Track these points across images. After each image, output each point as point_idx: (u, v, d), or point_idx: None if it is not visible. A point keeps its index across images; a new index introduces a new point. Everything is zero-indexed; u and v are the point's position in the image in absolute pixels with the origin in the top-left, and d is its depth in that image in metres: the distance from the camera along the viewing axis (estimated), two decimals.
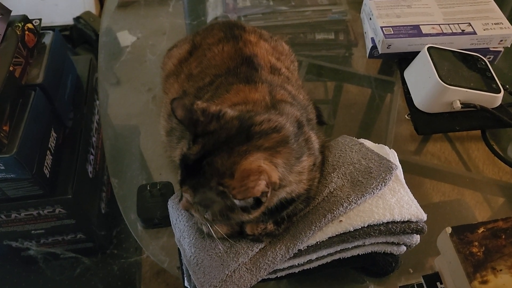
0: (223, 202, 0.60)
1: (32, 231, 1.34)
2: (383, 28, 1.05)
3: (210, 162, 0.59)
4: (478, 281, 0.53)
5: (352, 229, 0.68)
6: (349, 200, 0.68)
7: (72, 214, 1.28)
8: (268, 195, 0.57)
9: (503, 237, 0.56)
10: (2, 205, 1.19)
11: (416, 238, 0.71)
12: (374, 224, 0.68)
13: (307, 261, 0.70)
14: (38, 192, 1.15)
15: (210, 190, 0.59)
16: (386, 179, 0.70)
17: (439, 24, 1.06)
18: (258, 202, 0.59)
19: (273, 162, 0.59)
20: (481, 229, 0.57)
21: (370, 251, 0.72)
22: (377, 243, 0.71)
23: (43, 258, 1.49)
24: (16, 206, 1.20)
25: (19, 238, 1.37)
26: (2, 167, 1.01)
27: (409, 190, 0.73)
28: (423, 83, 0.98)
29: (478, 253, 0.55)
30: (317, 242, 0.68)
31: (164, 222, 0.84)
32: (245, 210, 0.60)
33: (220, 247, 0.67)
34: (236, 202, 0.57)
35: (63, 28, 1.95)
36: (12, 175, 1.05)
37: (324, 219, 0.67)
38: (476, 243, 0.56)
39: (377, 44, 1.08)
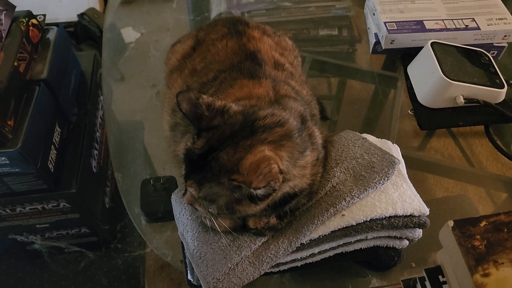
0: (230, 195, 0.60)
1: (37, 225, 1.34)
2: (387, 24, 1.05)
3: (216, 157, 0.59)
4: (480, 274, 0.53)
5: (354, 223, 0.68)
6: (351, 195, 0.69)
7: (76, 209, 1.28)
8: (280, 180, 0.58)
9: (505, 230, 0.57)
10: (7, 199, 1.19)
11: (419, 232, 0.72)
12: (377, 218, 0.68)
13: (310, 255, 0.71)
14: (42, 187, 1.16)
15: (218, 185, 0.59)
16: (388, 173, 0.71)
17: (442, 20, 1.06)
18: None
19: (278, 155, 0.60)
20: (483, 223, 0.57)
21: (372, 245, 0.72)
22: (380, 237, 0.71)
23: (47, 252, 1.50)
24: (20, 200, 1.20)
25: (24, 232, 1.38)
26: (7, 162, 1.02)
27: (411, 184, 0.74)
28: (427, 79, 0.98)
29: (480, 247, 0.55)
30: (319, 236, 0.68)
31: (167, 216, 0.84)
32: (252, 201, 0.60)
33: (223, 241, 0.68)
34: (259, 191, 0.58)
35: (68, 24, 1.95)
36: (16, 170, 1.06)
37: (327, 213, 0.68)
38: (478, 237, 0.56)
39: (380, 40, 1.08)
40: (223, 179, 0.58)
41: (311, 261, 0.72)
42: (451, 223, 0.58)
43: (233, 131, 0.61)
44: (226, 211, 0.63)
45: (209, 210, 0.64)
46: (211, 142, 0.60)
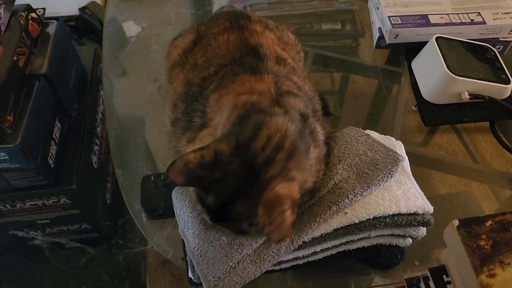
0: (254, 231, 0.60)
1: (37, 221, 1.34)
2: (391, 18, 1.04)
3: (233, 210, 0.58)
4: (485, 274, 0.53)
5: (357, 221, 0.67)
6: (354, 192, 0.68)
7: (77, 204, 1.28)
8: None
9: None
10: (7, 195, 1.19)
11: (422, 231, 0.71)
12: (380, 216, 0.67)
13: (312, 253, 0.70)
14: (42, 182, 1.15)
15: (243, 228, 0.60)
16: (392, 171, 0.70)
17: (447, 14, 1.05)
18: None
19: (289, 180, 0.59)
20: (489, 222, 0.56)
21: (375, 243, 0.71)
22: (383, 235, 0.71)
23: (48, 248, 1.50)
24: (21, 196, 1.20)
25: (24, 228, 1.37)
26: (7, 157, 1.01)
27: (415, 182, 0.73)
28: (431, 74, 0.97)
29: (486, 246, 0.54)
30: (322, 234, 0.67)
31: (168, 213, 0.83)
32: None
33: (224, 239, 0.67)
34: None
35: (69, 18, 1.95)
36: (16, 165, 1.05)
37: (329, 211, 0.66)
38: (484, 236, 0.55)
39: (384, 34, 1.07)
40: (244, 224, 0.59)
41: (313, 259, 0.71)
42: (456, 222, 0.57)
43: (238, 183, 0.58)
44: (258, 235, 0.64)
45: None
46: (221, 197, 0.59)
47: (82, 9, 1.96)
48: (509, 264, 0.53)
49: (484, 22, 1.02)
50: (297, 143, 0.62)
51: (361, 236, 0.69)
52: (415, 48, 1.05)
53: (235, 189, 0.58)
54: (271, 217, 0.54)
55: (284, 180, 0.58)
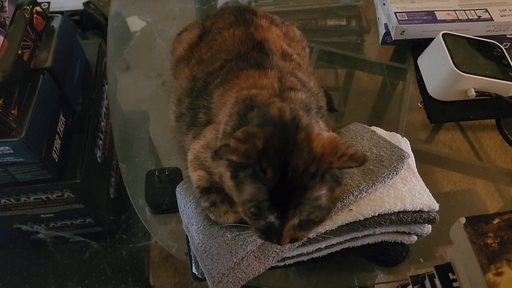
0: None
1: (41, 215, 1.34)
2: (397, 14, 1.03)
3: (294, 170, 0.56)
4: (492, 273, 0.52)
5: (362, 218, 0.67)
6: (359, 189, 0.67)
7: (80, 199, 1.28)
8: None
9: None
10: (11, 189, 1.19)
11: (428, 228, 0.70)
12: (385, 214, 0.67)
13: (316, 249, 0.70)
14: (46, 176, 1.15)
15: (314, 189, 0.57)
16: (397, 168, 0.69)
17: (454, 10, 1.04)
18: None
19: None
20: (496, 220, 0.56)
21: (380, 240, 0.71)
22: (388, 232, 0.70)
23: (52, 242, 1.50)
24: (25, 190, 1.20)
25: (28, 221, 1.37)
26: (11, 151, 1.01)
27: (421, 179, 0.72)
28: (437, 71, 0.96)
29: (493, 245, 0.54)
30: (326, 231, 0.67)
31: (172, 208, 0.83)
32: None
33: (228, 235, 0.67)
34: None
35: (73, 12, 1.94)
36: (20, 159, 1.05)
37: (334, 208, 0.66)
38: (491, 234, 0.54)
39: (390, 30, 1.06)
40: (315, 180, 0.57)
41: (317, 256, 0.71)
42: (463, 220, 0.57)
43: (281, 139, 0.58)
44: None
45: (315, 219, 0.60)
46: (276, 165, 0.57)
47: (87, 4, 1.96)
48: None
49: (491, 19, 1.02)
50: (308, 115, 0.63)
51: (365, 233, 0.69)
52: (421, 44, 1.04)
53: (282, 148, 0.57)
54: (337, 153, 0.56)
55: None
